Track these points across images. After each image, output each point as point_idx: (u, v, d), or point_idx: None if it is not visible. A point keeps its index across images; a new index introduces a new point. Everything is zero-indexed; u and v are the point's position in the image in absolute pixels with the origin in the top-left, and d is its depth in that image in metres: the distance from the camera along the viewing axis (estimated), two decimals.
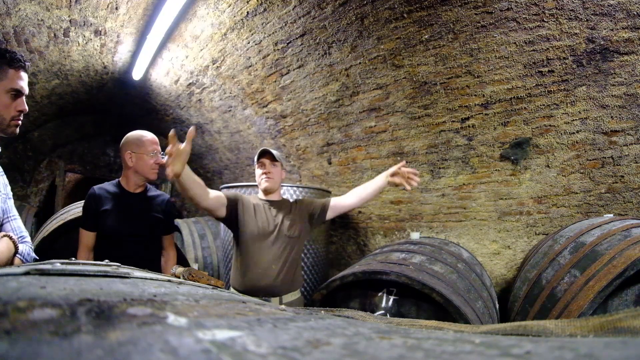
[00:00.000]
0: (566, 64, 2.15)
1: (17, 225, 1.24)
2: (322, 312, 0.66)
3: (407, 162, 2.49)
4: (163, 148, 1.50)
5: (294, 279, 1.80)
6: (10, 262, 1.13)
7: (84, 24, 3.11)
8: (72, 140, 5.87)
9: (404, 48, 2.56)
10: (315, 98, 3.35)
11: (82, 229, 1.68)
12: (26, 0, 2.68)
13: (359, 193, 1.85)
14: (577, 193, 2.45)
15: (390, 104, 2.96)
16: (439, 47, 2.44)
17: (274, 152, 1.82)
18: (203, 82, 4.04)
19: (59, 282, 0.42)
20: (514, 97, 2.41)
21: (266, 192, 1.85)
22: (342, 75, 3.02)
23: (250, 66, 3.43)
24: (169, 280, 0.67)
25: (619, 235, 1.58)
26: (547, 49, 2.14)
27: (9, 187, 1.28)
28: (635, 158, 2.20)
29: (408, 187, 1.74)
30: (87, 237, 1.67)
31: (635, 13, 1.85)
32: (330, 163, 3.78)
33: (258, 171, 1.85)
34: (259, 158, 1.85)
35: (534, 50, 2.18)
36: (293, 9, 2.63)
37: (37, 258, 1.29)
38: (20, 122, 1.20)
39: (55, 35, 3.19)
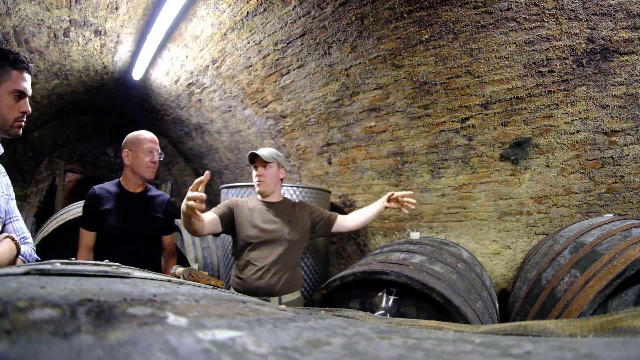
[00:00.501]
0: (566, 64, 2.15)
1: (19, 226, 1.25)
2: (322, 312, 0.66)
3: (407, 162, 2.50)
4: (163, 148, 1.51)
5: (294, 280, 1.79)
6: (12, 263, 1.13)
7: (84, 24, 3.11)
8: (72, 140, 5.86)
9: (404, 48, 2.56)
10: (315, 98, 3.35)
11: (82, 228, 1.68)
12: (26, 0, 2.68)
13: (359, 217, 1.95)
14: (577, 193, 2.45)
15: (390, 104, 2.96)
16: (439, 47, 2.44)
17: (264, 153, 1.76)
18: (203, 82, 4.04)
19: (59, 282, 0.42)
20: (514, 97, 2.41)
21: (262, 195, 1.84)
22: (342, 75, 3.02)
23: (250, 66, 3.43)
24: (169, 280, 0.67)
25: (619, 235, 1.58)
26: (547, 49, 2.14)
27: (11, 188, 1.28)
28: (635, 158, 2.20)
29: (406, 211, 1.85)
30: (87, 237, 1.67)
31: (635, 13, 1.85)
32: (330, 163, 3.78)
33: (253, 173, 1.83)
34: (250, 162, 1.82)
35: (534, 50, 2.18)
36: (293, 9, 2.63)
37: (39, 259, 1.30)
38: (23, 123, 1.20)
39: (55, 35, 3.19)
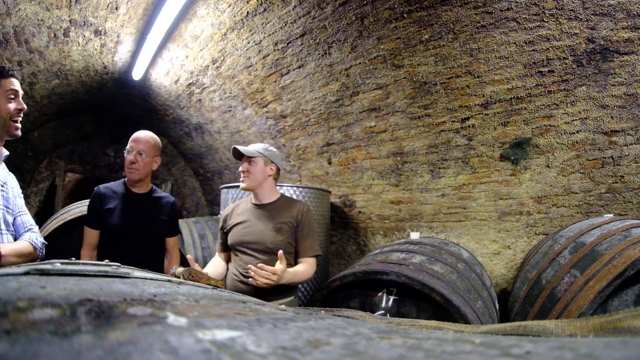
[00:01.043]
0: (566, 64, 2.15)
1: (27, 219, 1.43)
2: (322, 312, 0.66)
3: (407, 162, 2.50)
4: (163, 148, 1.51)
5: (285, 288, 1.63)
6: (33, 258, 1.34)
7: (84, 24, 3.11)
8: (72, 140, 5.86)
9: (404, 48, 2.56)
10: (315, 98, 3.35)
11: (86, 226, 1.70)
12: (26, 0, 2.68)
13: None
14: (577, 193, 2.45)
15: (390, 104, 2.96)
16: (439, 47, 2.44)
17: (247, 148, 1.67)
18: (203, 82, 4.04)
19: (59, 282, 0.42)
20: (514, 97, 2.41)
21: (246, 190, 1.74)
22: (342, 75, 3.02)
23: (250, 66, 3.43)
24: (169, 280, 0.67)
25: (619, 235, 1.58)
26: (547, 49, 2.14)
27: (18, 186, 1.47)
28: (635, 158, 2.20)
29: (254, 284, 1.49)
30: (91, 235, 1.69)
31: (635, 13, 1.85)
32: (330, 163, 3.78)
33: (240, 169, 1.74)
34: (238, 158, 1.75)
35: (534, 50, 2.18)
36: (293, 9, 2.63)
37: (46, 243, 1.49)
38: (19, 120, 1.31)
39: (55, 35, 3.19)
